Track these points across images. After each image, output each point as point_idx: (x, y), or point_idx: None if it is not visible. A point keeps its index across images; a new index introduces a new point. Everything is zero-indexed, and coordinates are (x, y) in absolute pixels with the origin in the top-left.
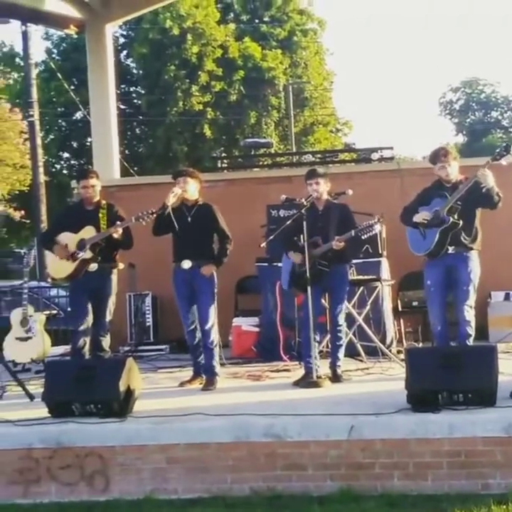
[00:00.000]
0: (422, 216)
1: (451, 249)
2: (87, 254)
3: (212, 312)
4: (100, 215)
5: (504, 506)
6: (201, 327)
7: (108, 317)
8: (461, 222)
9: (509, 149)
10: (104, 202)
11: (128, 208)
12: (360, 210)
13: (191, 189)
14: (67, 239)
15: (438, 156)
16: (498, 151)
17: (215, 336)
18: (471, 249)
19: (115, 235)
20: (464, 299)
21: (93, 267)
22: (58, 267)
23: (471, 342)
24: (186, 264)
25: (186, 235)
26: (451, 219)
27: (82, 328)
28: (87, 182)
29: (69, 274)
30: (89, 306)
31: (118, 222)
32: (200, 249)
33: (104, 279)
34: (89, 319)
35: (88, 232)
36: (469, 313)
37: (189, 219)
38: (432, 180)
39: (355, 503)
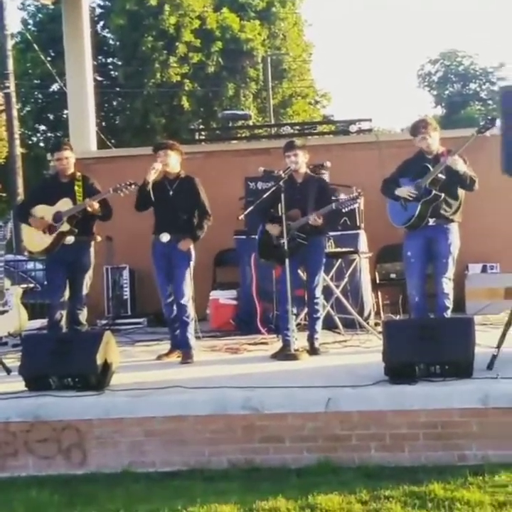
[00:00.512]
0: (406, 191)
1: (432, 221)
2: (64, 226)
3: (188, 286)
4: (76, 187)
5: (480, 477)
6: (177, 301)
7: (85, 290)
8: (442, 195)
9: (495, 122)
10: (79, 174)
11: (105, 181)
12: (338, 182)
13: (172, 162)
14: (43, 211)
15: (418, 127)
16: (483, 123)
17: (191, 310)
18: (452, 221)
19: (89, 209)
20: (443, 271)
21: (70, 239)
22: (35, 240)
23: (449, 314)
24: (165, 237)
25: (167, 209)
26: (433, 191)
27: (58, 301)
28: (61, 154)
29: (46, 248)
30: (66, 280)
31: (95, 195)
32: (180, 224)
33: (81, 252)
34: (66, 293)
35: (64, 205)
36: (448, 286)
37: (171, 192)
38: (410, 152)
39: (332, 475)
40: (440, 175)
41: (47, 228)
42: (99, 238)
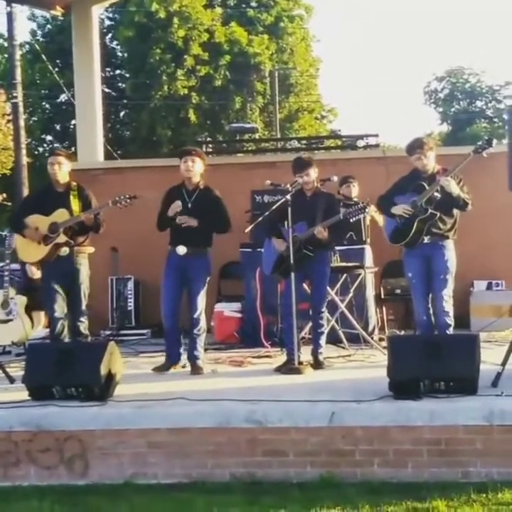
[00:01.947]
0: (402, 208)
1: (427, 239)
2: (60, 238)
3: (203, 300)
4: (71, 197)
5: (484, 495)
6: (191, 314)
7: (84, 301)
8: (438, 213)
9: (491, 143)
10: (74, 184)
11: (112, 191)
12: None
13: (197, 170)
14: (38, 221)
15: (414, 147)
16: (479, 144)
17: (203, 323)
18: (447, 238)
19: (86, 221)
20: (441, 288)
21: (64, 251)
22: (29, 250)
23: (451, 331)
24: (182, 249)
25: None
26: (429, 210)
27: (57, 313)
28: (54, 159)
29: (41, 259)
30: (63, 291)
31: (93, 208)
32: (198, 236)
33: (76, 264)
34: (64, 304)
35: (61, 216)
36: (448, 303)
37: (189, 205)
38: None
39: (335, 490)
40: (436, 193)
41: (42, 239)
42: (92, 249)
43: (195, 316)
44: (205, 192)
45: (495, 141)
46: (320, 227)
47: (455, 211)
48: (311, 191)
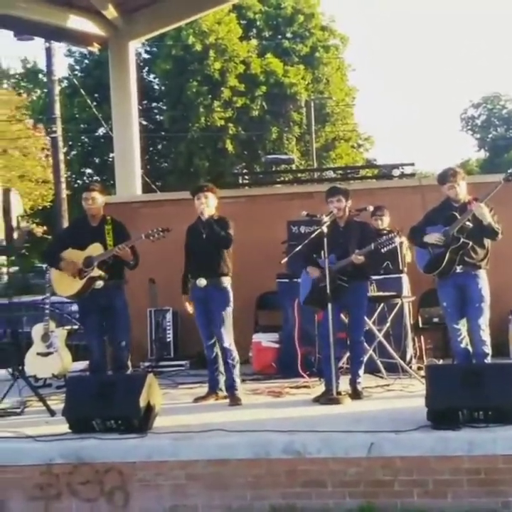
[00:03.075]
0: (434, 237)
1: (459, 269)
2: (95, 272)
3: (228, 330)
4: (106, 231)
5: None
6: (220, 345)
7: (125, 334)
8: (470, 242)
9: None
10: (108, 217)
11: (150, 224)
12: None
13: (211, 204)
14: (73, 255)
15: (447, 176)
16: (510, 171)
17: (235, 353)
18: (480, 267)
19: (121, 254)
20: (477, 317)
21: (99, 284)
22: (64, 284)
23: (488, 360)
24: (202, 281)
25: (201, 252)
26: (461, 239)
27: (96, 346)
28: (89, 194)
29: (76, 292)
30: (101, 323)
31: (126, 242)
32: (215, 266)
33: (113, 296)
34: (102, 336)
35: (95, 250)
36: (485, 332)
37: (204, 235)
38: None
39: None
40: (467, 223)
41: (77, 273)
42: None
43: (224, 345)
44: (219, 221)
45: None
46: (356, 255)
47: (487, 241)
48: (344, 221)
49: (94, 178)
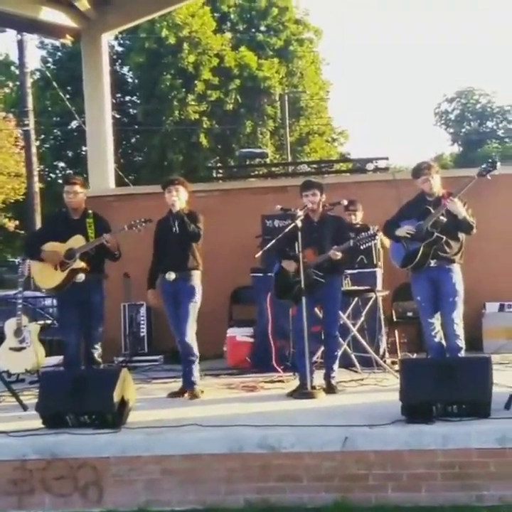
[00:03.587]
0: (405, 230)
1: (433, 263)
2: (77, 263)
3: (191, 325)
4: (87, 224)
5: None
6: (180, 339)
7: (99, 329)
8: (444, 237)
9: (495, 165)
10: (90, 211)
11: (123, 218)
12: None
13: (182, 198)
14: (54, 248)
15: (421, 169)
16: (484, 166)
17: (195, 349)
18: (453, 261)
19: (107, 244)
20: (451, 311)
21: (80, 277)
22: (46, 276)
23: (462, 354)
24: (171, 275)
25: (171, 246)
26: (435, 233)
27: (72, 340)
28: (70, 187)
29: (57, 285)
30: (78, 318)
31: (111, 232)
32: (185, 260)
33: (93, 291)
34: (79, 331)
35: (77, 242)
36: (458, 326)
37: (174, 229)
38: None
39: None
40: (441, 217)
41: (59, 264)
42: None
43: (185, 340)
44: (189, 215)
45: (499, 164)
46: (334, 251)
47: (461, 235)
48: (318, 215)
49: (67, 171)
